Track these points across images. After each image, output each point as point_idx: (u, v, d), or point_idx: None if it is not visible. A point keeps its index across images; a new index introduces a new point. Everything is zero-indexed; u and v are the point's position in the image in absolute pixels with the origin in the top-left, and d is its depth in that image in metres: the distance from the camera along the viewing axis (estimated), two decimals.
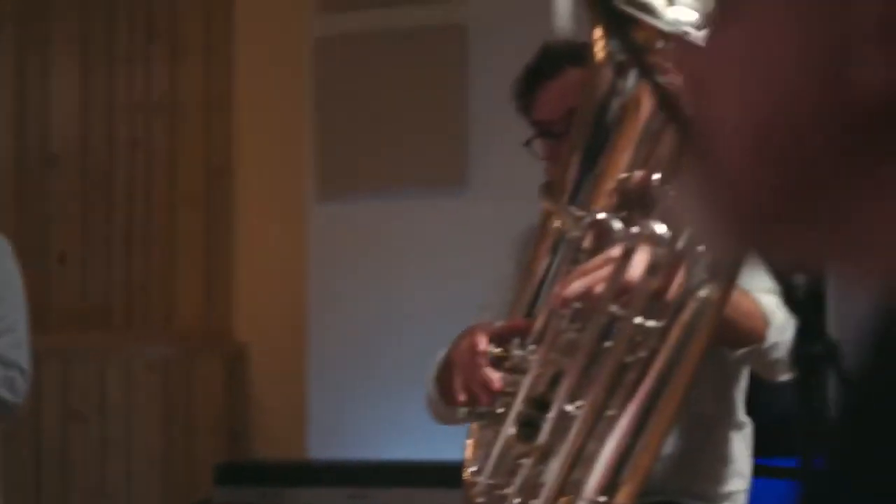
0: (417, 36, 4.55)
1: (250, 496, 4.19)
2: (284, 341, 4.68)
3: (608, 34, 1.88)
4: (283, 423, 4.64)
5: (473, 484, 1.98)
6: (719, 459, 2.16)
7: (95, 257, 4.72)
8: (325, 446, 4.55)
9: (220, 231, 4.84)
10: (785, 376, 1.99)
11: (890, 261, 0.57)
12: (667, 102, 1.45)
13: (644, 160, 1.88)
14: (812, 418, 1.46)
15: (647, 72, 1.47)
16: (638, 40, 1.72)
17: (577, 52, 2.08)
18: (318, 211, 4.68)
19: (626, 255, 1.76)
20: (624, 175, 1.90)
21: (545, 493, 1.82)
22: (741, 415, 2.20)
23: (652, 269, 1.74)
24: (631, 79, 1.87)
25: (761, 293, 1.97)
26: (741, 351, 1.97)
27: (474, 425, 2.04)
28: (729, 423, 2.18)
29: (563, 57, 2.19)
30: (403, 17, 4.58)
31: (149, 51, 4.82)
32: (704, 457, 2.15)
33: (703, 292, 1.75)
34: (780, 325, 1.94)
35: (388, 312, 4.52)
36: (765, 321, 1.94)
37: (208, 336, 4.76)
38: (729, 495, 2.16)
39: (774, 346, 1.95)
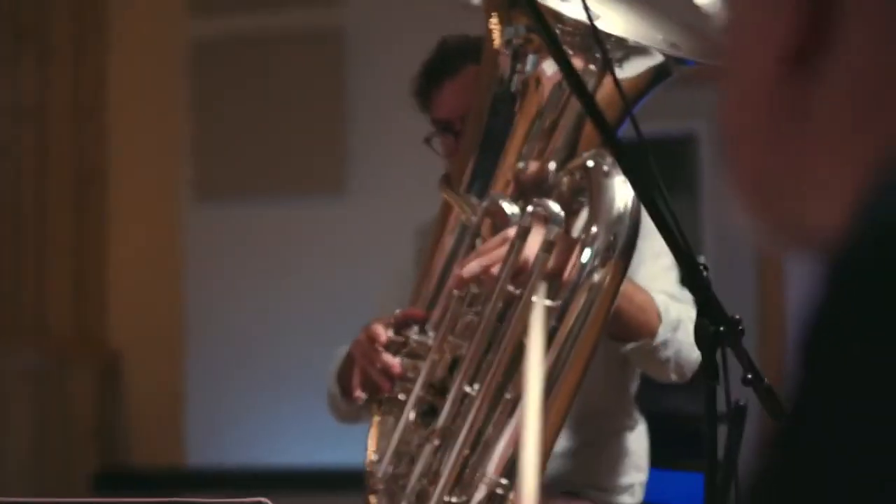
0: (294, 39, 4.54)
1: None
2: (161, 347, 4.61)
3: (505, 21, 1.90)
4: (161, 430, 4.57)
5: (374, 472, 1.97)
6: (616, 454, 2.20)
7: None
8: (203, 452, 4.49)
9: (92, 236, 4.74)
10: (674, 377, 2.00)
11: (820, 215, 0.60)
12: (572, 77, 1.46)
13: (541, 151, 1.90)
14: (714, 399, 1.48)
15: (557, 51, 1.48)
16: (527, 25, 1.75)
17: (476, 49, 2.08)
18: (195, 214, 4.62)
19: (522, 235, 1.77)
20: (521, 165, 1.91)
21: (444, 474, 1.82)
22: (635, 413, 2.23)
23: (547, 247, 1.76)
24: (529, 64, 1.88)
25: (657, 293, 1.99)
26: (631, 345, 1.97)
27: (376, 417, 2.03)
28: (624, 421, 2.21)
29: (461, 54, 2.19)
30: (280, 20, 4.56)
31: (16, 52, 4.71)
32: (602, 451, 2.19)
33: (597, 274, 1.78)
34: (673, 323, 1.96)
35: (267, 316, 4.49)
36: (658, 316, 1.96)
37: (81, 343, 4.66)
38: (627, 487, 2.20)
39: (665, 343, 1.96)
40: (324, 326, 3.75)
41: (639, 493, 2.23)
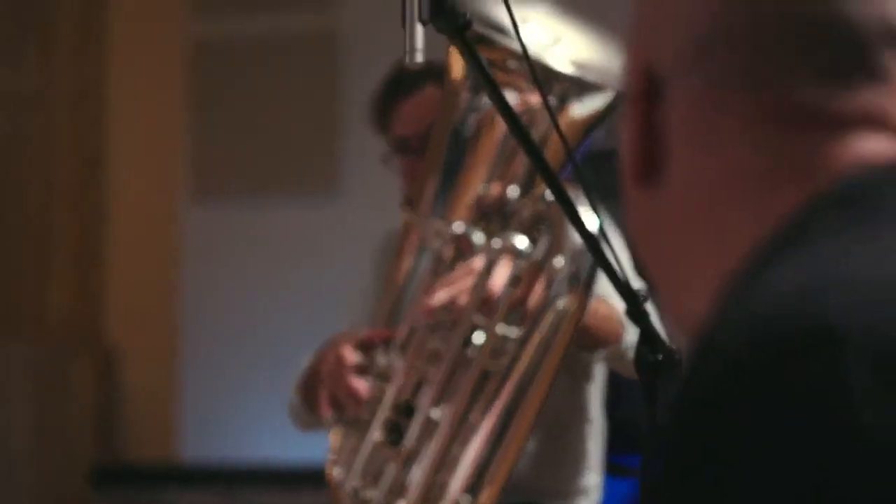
0: (290, 42, 4.60)
1: (125, 498, 4.19)
2: (158, 341, 4.68)
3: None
4: (157, 425, 4.64)
5: (340, 485, 2.03)
6: (574, 455, 2.22)
7: None
8: (198, 447, 4.57)
9: (93, 230, 4.80)
10: None
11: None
12: (511, 120, 1.51)
13: (500, 175, 1.96)
14: (653, 422, 1.54)
15: (493, 91, 1.53)
16: (486, 59, 1.79)
17: (436, 70, 2.12)
18: (193, 211, 4.69)
19: (488, 269, 1.84)
20: (481, 189, 1.97)
21: (412, 494, 1.89)
22: (594, 412, 2.25)
23: (513, 280, 1.82)
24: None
25: (617, 299, 2.03)
26: (599, 352, 2.03)
27: (337, 429, 2.09)
28: (582, 421, 2.23)
29: (422, 74, 2.21)
30: (278, 23, 4.62)
31: (20, 43, 4.76)
32: (559, 453, 2.21)
33: (561, 302, 1.84)
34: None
35: (262, 313, 4.56)
36: (620, 323, 2.00)
37: (80, 336, 4.73)
38: (584, 490, 2.22)
39: (631, 346, 2.00)
40: (317, 325, 3.81)
41: (594, 496, 2.26)
